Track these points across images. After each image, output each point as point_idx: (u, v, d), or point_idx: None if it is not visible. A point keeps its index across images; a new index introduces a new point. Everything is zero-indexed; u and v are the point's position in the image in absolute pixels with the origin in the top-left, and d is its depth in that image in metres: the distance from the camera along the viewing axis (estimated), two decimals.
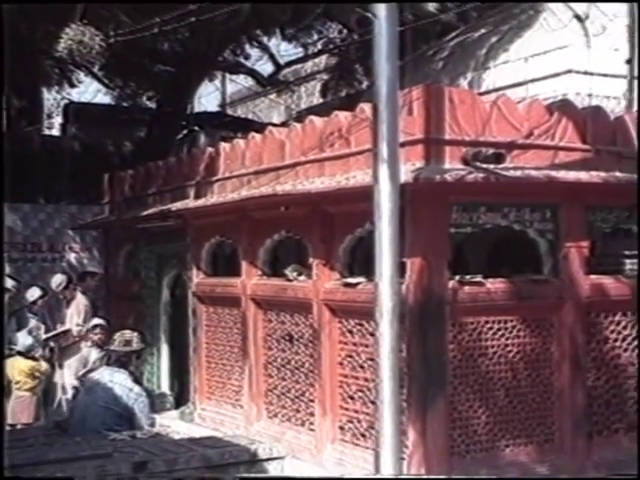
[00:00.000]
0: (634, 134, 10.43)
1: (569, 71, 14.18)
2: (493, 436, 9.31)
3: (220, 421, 11.77)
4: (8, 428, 11.87)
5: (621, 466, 9.69)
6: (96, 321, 12.61)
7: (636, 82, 14.40)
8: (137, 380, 10.36)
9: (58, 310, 14.10)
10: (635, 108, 13.54)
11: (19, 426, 12.03)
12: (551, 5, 16.10)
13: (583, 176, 9.64)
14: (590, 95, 13.51)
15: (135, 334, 10.59)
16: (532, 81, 14.42)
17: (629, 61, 14.46)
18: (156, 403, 12.35)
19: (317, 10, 18.60)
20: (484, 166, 8.98)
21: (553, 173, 9.47)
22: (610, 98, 13.74)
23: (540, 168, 9.49)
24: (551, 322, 9.66)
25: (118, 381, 9.92)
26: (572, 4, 15.60)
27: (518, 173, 9.24)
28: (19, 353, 12.29)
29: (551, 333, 9.64)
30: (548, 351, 9.63)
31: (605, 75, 14.24)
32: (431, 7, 19.28)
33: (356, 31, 19.36)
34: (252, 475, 8.78)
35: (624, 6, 15.05)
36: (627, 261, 10.83)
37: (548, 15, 15.99)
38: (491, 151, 9.09)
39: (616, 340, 10.14)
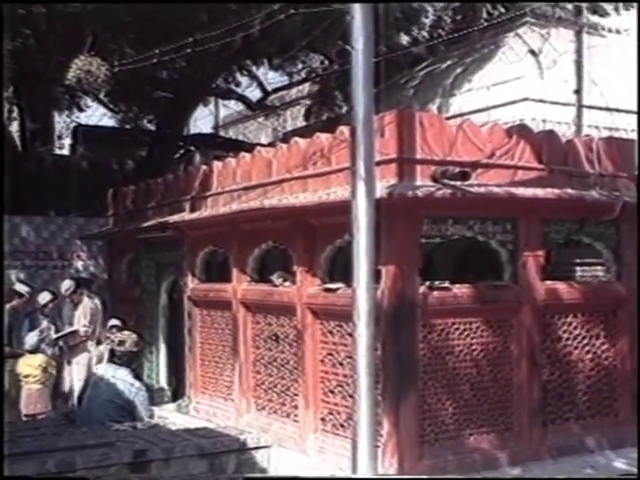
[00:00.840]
0: (583, 156, 10.47)
1: (525, 99, 14.24)
2: (459, 426, 9.32)
3: (213, 413, 11.73)
4: (24, 418, 11.88)
5: (571, 450, 9.79)
6: (113, 322, 12.54)
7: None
8: (137, 376, 10.30)
9: (67, 312, 14.01)
10: (584, 133, 13.63)
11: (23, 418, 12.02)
12: (509, 41, 16.18)
13: (539, 193, 9.68)
14: (544, 121, 13.56)
15: (134, 335, 10.53)
16: (493, 107, 14.48)
17: (577, 91, 14.58)
18: (155, 397, 12.33)
19: (301, 42, 18.68)
20: (451, 183, 8.99)
21: (513, 190, 9.53)
22: (561, 124, 13.81)
23: (501, 185, 9.53)
24: (511, 323, 9.67)
25: (120, 377, 9.84)
26: (528, 41, 15.70)
27: (482, 189, 9.27)
28: (31, 350, 12.25)
29: (511, 333, 9.66)
30: (508, 349, 9.64)
31: (557, 103, 14.32)
32: (404, 40, 19.46)
33: (336, 62, 19.42)
34: (260, 475, 8.73)
35: (572, 44, 15.15)
36: (578, 268, 10.87)
37: (506, 49, 16.08)
38: (457, 170, 9.08)
39: (568, 339, 10.16)
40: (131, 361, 10.11)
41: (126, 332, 10.47)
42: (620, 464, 9.67)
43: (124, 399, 9.76)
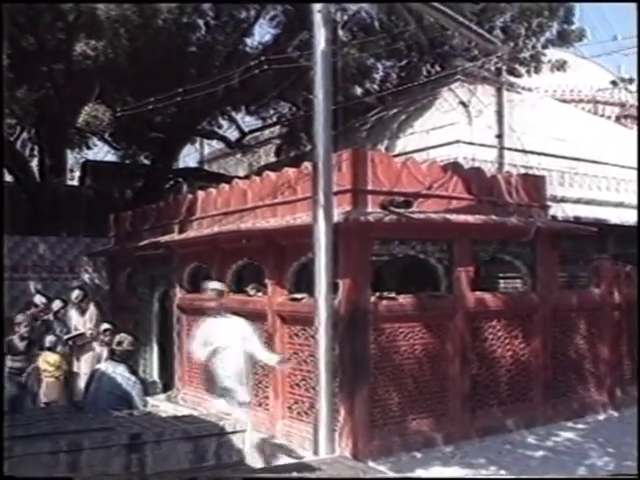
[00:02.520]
0: (504, 189, 10.48)
1: (457, 141, 14.25)
2: (403, 412, 9.20)
3: (198, 402, 11.47)
4: (42, 405, 11.73)
5: (494, 431, 9.75)
6: (105, 326, 12.33)
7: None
8: (133, 371, 10.06)
9: (76, 317, 13.82)
10: (504, 170, 13.64)
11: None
12: (444, 94, 16.24)
13: (469, 219, 9.68)
14: (473, 159, 13.59)
15: (130, 336, 10.32)
16: (431, 148, 14.48)
17: (499, 136, 14.65)
18: (148, 389, 12.11)
19: (273, 93, 18.76)
20: (397, 210, 8.95)
21: (448, 216, 9.50)
22: (487, 162, 13.84)
23: (438, 212, 9.50)
24: (447, 327, 9.58)
25: (119, 372, 9.60)
26: (459, 94, 15.77)
27: (422, 216, 9.24)
28: (48, 349, 12.10)
29: (446, 335, 9.58)
30: (444, 349, 9.56)
31: (483, 145, 14.35)
32: (358, 92, 19.56)
33: (302, 108, 19.48)
34: (265, 475, 8.61)
35: (494, 98, 15.21)
36: (501, 281, 10.85)
37: (442, 101, 16.12)
38: (402, 199, 9.05)
39: (493, 339, 10.11)
40: (128, 358, 9.85)
41: (123, 334, 10.22)
42: (531, 440, 9.71)
43: (122, 391, 9.52)
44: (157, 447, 7.96)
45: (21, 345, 10.90)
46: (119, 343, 9.94)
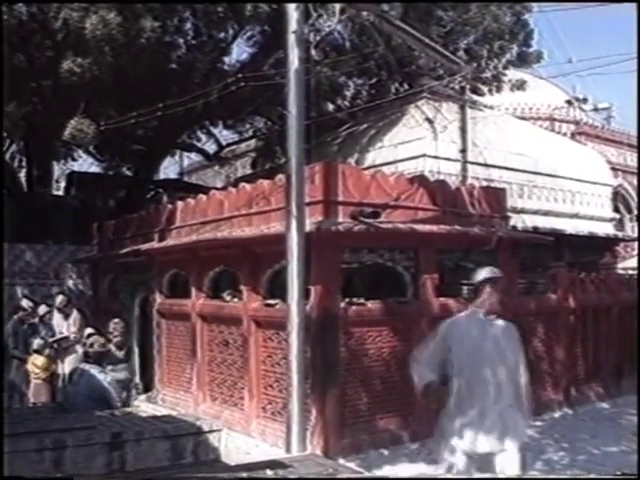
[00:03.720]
0: (467, 200, 10.51)
1: (424, 155, 14.28)
2: (372, 412, 9.17)
3: (176, 403, 11.43)
4: (30, 405, 11.59)
5: None
6: (88, 330, 12.20)
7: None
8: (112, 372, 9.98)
9: (60, 321, 13.67)
10: (468, 182, 13.67)
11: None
12: (411, 110, 16.28)
13: (434, 228, 9.67)
14: (438, 172, 13.60)
15: (102, 338, 10.21)
16: (399, 161, 14.50)
17: (462, 150, 14.69)
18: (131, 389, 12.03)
19: (249, 108, 18.73)
20: (366, 220, 8.91)
21: (414, 226, 9.49)
22: (451, 175, 13.88)
23: (405, 222, 9.49)
24: (413, 331, 9.50)
25: (95, 374, 9.52)
26: (425, 111, 15.82)
27: (390, 226, 9.22)
28: (35, 351, 11.97)
29: (413, 339, 9.44)
30: (410, 352, 9.42)
31: (447, 159, 14.38)
32: (330, 108, 19.59)
33: (277, 123, 19.48)
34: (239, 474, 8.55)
35: (457, 115, 15.26)
36: (464, 288, 10.82)
37: (409, 117, 16.14)
38: (371, 210, 9.01)
39: None
40: (101, 360, 9.75)
41: (95, 336, 10.12)
42: None
43: (99, 392, 9.42)
44: (137, 445, 7.95)
45: None
46: (91, 345, 9.87)
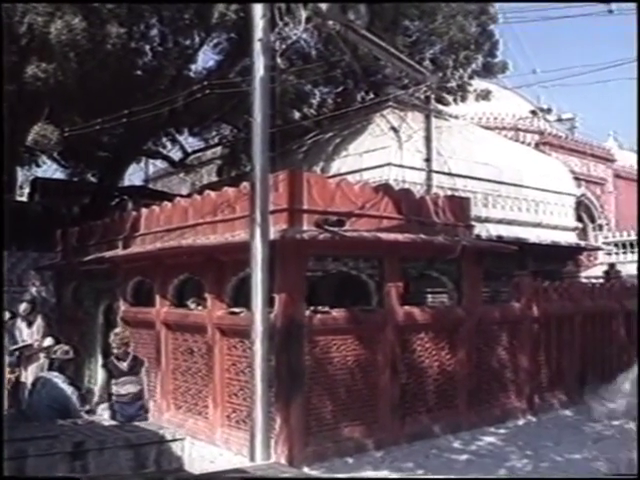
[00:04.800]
0: (432, 209, 10.57)
1: (389, 164, 14.36)
2: (337, 420, 9.14)
3: None
4: None
5: (422, 436, 9.76)
6: (49, 339, 12.08)
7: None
8: (72, 382, 9.85)
9: (24, 328, 13.51)
10: (432, 191, 13.76)
11: None
12: (376, 119, 16.37)
13: (399, 237, 9.71)
14: (403, 181, 13.69)
15: (66, 346, 10.10)
16: (364, 170, 14.56)
17: (427, 159, 14.79)
18: (93, 398, 11.89)
19: (215, 115, 18.72)
20: (330, 229, 8.93)
21: (379, 234, 9.52)
22: (416, 184, 13.95)
23: (370, 231, 9.51)
24: (377, 339, 9.56)
25: (57, 382, 9.41)
26: (390, 120, 15.92)
27: (354, 234, 9.24)
28: None
29: (377, 347, 9.56)
30: (375, 360, 9.55)
31: (412, 168, 14.47)
32: (296, 116, 19.64)
33: (242, 130, 19.49)
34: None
35: (422, 124, 15.37)
36: (429, 296, 10.92)
37: (374, 126, 16.24)
38: (335, 218, 9.03)
39: (421, 351, 10.14)
40: (64, 368, 9.64)
41: (58, 345, 10.03)
42: (456, 444, 9.74)
43: (60, 401, 9.34)
44: (99, 454, 7.90)
45: None
46: (54, 352, 9.77)
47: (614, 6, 11.87)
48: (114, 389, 9.94)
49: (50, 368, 9.84)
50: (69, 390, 9.41)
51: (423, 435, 9.81)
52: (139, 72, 16.87)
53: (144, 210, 12.28)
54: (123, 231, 12.51)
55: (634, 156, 38.91)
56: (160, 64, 17.01)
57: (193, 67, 18.56)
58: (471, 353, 10.69)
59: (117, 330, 10.66)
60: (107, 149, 20.21)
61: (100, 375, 12.98)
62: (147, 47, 16.88)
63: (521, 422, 11.17)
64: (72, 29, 13.28)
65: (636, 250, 25.47)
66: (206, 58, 19.24)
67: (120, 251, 12.27)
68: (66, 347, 9.96)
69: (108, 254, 12.40)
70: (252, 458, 7.91)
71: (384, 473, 8.50)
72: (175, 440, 8.56)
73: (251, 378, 8.04)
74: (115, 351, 10.12)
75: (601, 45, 70.95)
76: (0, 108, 12.91)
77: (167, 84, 16.99)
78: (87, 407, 10.12)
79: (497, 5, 18.19)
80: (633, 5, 10.88)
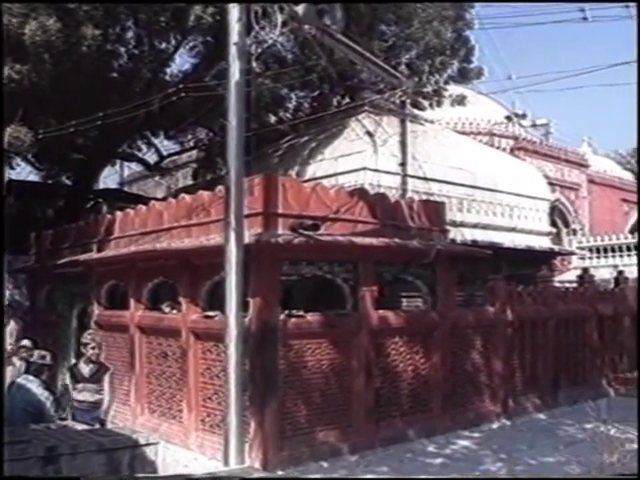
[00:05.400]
0: (407, 213, 10.60)
1: (364, 168, 14.37)
2: (311, 424, 9.14)
3: (114, 416, 11.21)
4: None
5: (396, 440, 9.79)
6: (24, 342, 11.95)
7: (406, 176, 14.82)
8: (47, 386, 9.76)
9: None
10: (407, 196, 13.79)
11: None
12: (352, 124, 16.40)
13: (374, 241, 9.73)
14: (378, 186, 13.69)
15: (47, 353, 10.00)
16: (339, 174, 14.56)
17: (402, 164, 14.81)
18: (67, 402, 11.82)
19: (191, 119, 18.64)
20: (305, 233, 8.95)
21: (353, 239, 9.54)
22: (391, 188, 13.97)
23: (344, 235, 9.53)
24: (352, 343, 9.58)
25: (32, 387, 9.33)
26: (366, 124, 15.94)
27: (329, 238, 9.27)
28: None
29: (352, 351, 9.58)
30: (349, 364, 9.56)
31: (387, 172, 14.49)
32: (272, 119, 19.61)
33: (218, 134, 19.39)
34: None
35: (398, 129, 15.40)
36: (403, 300, 10.93)
37: (350, 130, 16.25)
38: (310, 222, 9.05)
39: (395, 355, 10.17)
40: (40, 372, 9.56)
41: (36, 350, 9.94)
42: (431, 448, 9.76)
43: (34, 406, 9.25)
44: (72, 459, 7.81)
45: None
46: (42, 357, 9.68)
47: (589, 12, 11.97)
48: (74, 394, 9.90)
49: (26, 372, 9.75)
50: (44, 395, 9.34)
51: (398, 439, 9.84)
52: (115, 74, 16.72)
53: (119, 213, 12.26)
54: (97, 234, 12.48)
55: (608, 162, 39.42)
56: (136, 66, 16.90)
57: (169, 70, 18.40)
58: (445, 357, 10.73)
59: (91, 331, 10.61)
60: (82, 151, 20.02)
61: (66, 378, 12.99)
62: (123, 49, 16.73)
63: (495, 426, 11.23)
64: (47, 30, 13.16)
65: (609, 255, 25.74)
66: (182, 61, 19.19)
67: (94, 254, 12.23)
68: (43, 352, 9.87)
69: (82, 257, 12.34)
70: (226, 462, 7.92)
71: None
72: (149, 444, 8.48)
73: (225, 382, 8.03)
74: (90, 351, 10.07)
75: (575, 52, 71.68)
76: (1, 109, 12.79)
77: (143, 87, 16.87)
78: (61, 412, 10.02)
79: (473, 11, 18.33)
80: (608, 12, 11.01)
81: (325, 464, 8.91)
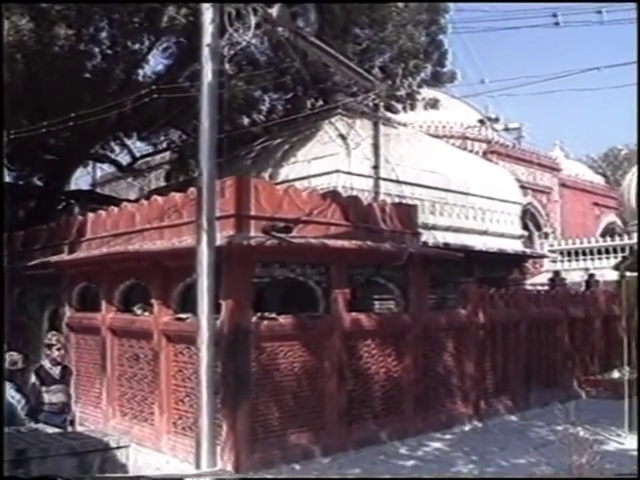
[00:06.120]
0: (379, 216, 10.65)
1: (337, 171, 14.38)
2: (283, 426, 9.15)
3: (85, 419, 11.18)
4: None
5: (369, 442, 9.81)
6: None
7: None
8: (19, 389, 9.67)
9: None
10: (380, 199, 13.82)
11: None
12: (325, 126, 16.42)
13: (346, 244, 9.75)
14: (351, 188, 13.71)
15: (19, 356, 9.90)
16: (312, 176, 14.56)
17: (375, 167, 14.84)
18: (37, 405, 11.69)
19: (164, 120, 18.57)
20: (278, 235, 8.94)
21: (326, 241, 9.55)
22: (364, 191, 13.99)
23: (317, 237, 9.54)
24: (324, 346, 9.60)
25: (4, 389, 9.24)
26: (339, 127, 15.96)
27: (302, 241, 9.26)
28: None
29: (324, 353, 9.60)
30: (322, 366, 9.57)
31: (360, 175, 14.51)
32: (245, 122, 19.58)
33: (191, 136, 19.31)
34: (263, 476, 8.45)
35: (371, 132, 15.43)
36: (376, 303, 10.96)
37: (323, 133, 16.27)
38: (283, 224, 9.05)
39: (367, 357, 10.20)
40: (13, 376, 9.47)
41: (13, 353, 9.84)
42: (403, 450, 9.80)
43: (7, 407, 9.15)
44: (42, 462, 7.73)
45: None
46: (14, 363, 9.58)
47: (560, 17, 12.07)
48: (45, 397, 9.77)
49: None
50: (16, 397, 9.25)
51: (370, 441, 9.87)
52: (88, 75, 16.61)
53: (91, 215, 12.20)
54: (69, 236, 12.41)
55: (579, 166, 39.79)
56: (109, 67, 16.80)
57: (142, 71, 18.31)
58: (418, 359, 10.78)
59: (54, 332, 10.53)
60: (54, 152, 19.86)
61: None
62: (96, 50, 16.63)
63: (467, 427, 11.30)
64: (19, 30, 13.08)
65: (580, 258, 25.97)
66: (155, 62, 19.05)
67: (66, 256, 12.14)
68: (17, 356, 9.77)
69: (53, 259, 12.26)
70: (198, 465, 7.86)
71: None
72: (120, 447, 8.42)
73: (197, 384, 7.99)
74: (55, 353, 9.96)
75: (547, 57, 72.29)
76: (0, 108, 12.66)
77: (116, 87, 16.78)
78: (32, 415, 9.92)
79: (447, 16, 18.41)
80: (579, 17, 11.12)
81: (297, 466, 8.91)
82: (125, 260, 10.44)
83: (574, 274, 23.22)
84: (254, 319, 8.87)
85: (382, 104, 16.28)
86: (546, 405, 12.04)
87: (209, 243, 7.44)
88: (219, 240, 8.01)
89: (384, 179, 14.79)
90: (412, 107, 19.11)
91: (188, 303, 9.35)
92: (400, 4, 17.20)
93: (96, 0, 14.47)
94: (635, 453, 9.30)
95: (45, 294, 13.13)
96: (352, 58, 14.77)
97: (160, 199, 10.42)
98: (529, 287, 20.19)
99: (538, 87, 13.85)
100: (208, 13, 8.31)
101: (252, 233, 8.87)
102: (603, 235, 29.57)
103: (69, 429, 9.63)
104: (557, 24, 12.15)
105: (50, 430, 9.32)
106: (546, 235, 29.83)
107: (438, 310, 11.58)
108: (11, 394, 9.38)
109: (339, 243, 9.64)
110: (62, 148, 19.16)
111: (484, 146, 27.74)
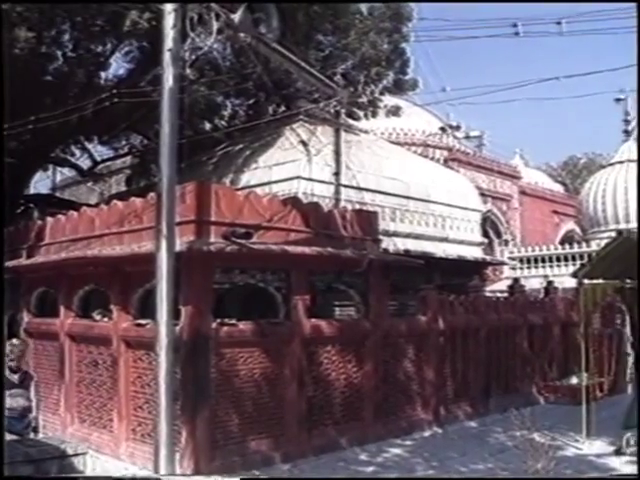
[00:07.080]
0: (340, 223, 10.69)
1: (298, 177, 14.40)
2: (243, 433, 9.13)
3: (43, 426, 10.97)
4: None
5: (329, 449, 9.83)
6: None
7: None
8: None
9: None
10: (341, 205, 13.86)
11: None
12: (286, 132, 16.44)
13: (306, 250, 9.77)
14: (312, 194, 13.75)
15: None
16: (273, 182, 14.56)
17: (336, 173, 14.88)
18: None
19: (125, 124, 18.44)
20: (238, 241, 8.95)
21: (286, 247, 9.56)
22: (325, 197, 14.04)
23: (277, 243, 9.55)
24: (284, 352, 9.60)
25: None
26: (300, 133, 15.99)
27: (262, 247, 9.27)
28: None
29: (284, 360, 9.60)
30: (282, 372, 9.57)
31: (321, 181, 14.55)
32: (207, 127, 19.53)
33: (153, 140, 19.20)
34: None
35: (332, 138, 15.48)
36: (336, 309, 11.00)
37: (284, 139, 16.28)
38: (243, 230, 9.06)
39: (328, 364, 10.23)
40: None
41: None
42: (363, 456, 9.83)
43: None
44: None
45: None
46: None
47: (521, 28, 12.23)
48: (6, 402, 9.62)
49: None
50: None
51: (330, 447, 9.89)
52: (49, 77, 16.47)
53: (50, 219, 12.09)
54: (27, 240, 12.27)
55: (539, 174, 40.33)
56: (71, 70, 16.65)
57: (104, 74, 18.21)
58: (378, 366, 10.83)
59: (14, 341, 10.37)
60: (13, 155, 19.59)
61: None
62: (58, 52, 16.47)
63: (427, 433, 11.36)
64: None
65: (539, 265, 26.30)
66: (117, 66, 18.92)
67: (24, 260, 12.02)
68: None
69: (11, 264, 12.02)
70: (157, 472, 7.79)
71: None
72: (77, 455, 8.40)
73: (156, 391, 7.93)
74: (10, 363, 9.78)
75: (508, 66, 73.20)
76: (1, 110, 12.44)
77: (77, 91, 16.64)
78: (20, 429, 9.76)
79: (410, 24, 18.54)
80: (538, 28, 11.29)
81: (257, 473, 8.86)
82: (84, 265, 10.36)
83: (533, 281, 23.50)
84: (214, 325, 8.84)
85: (344, 111, 16.34)
86: (505, 411, 12.12)
87: (169, 249, 7.39)
88: (179, 246, 7.97)
89: (345, 186, 14.86)
90: (374, 114, 19.21)
91: (148, 309, 9.28)
92: (364, 10, 17.33)
93: (62, 0, 14.34)
94: (593, 459, 9.48)
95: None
96: (314, 65, 14.81)
97: (120, 204, 10.35)
98: (489, 294, 20.39)
99: (499, 96, 14.05)
100: (170, 18, 8.27)
101: (212, 239, 8.86)
102: (562, 243, 29.98)
103: (31, 435, 9.51)
104: (517, 34, 12.32)
105: (9, 437, 9.20)
106: (506, 242, 30.15)
107: (398, 317, 11.64)
108: None
109: (299, 249, 9.66)
110: (21, 151, 18.92)
111: (445, 153, 27.97)
